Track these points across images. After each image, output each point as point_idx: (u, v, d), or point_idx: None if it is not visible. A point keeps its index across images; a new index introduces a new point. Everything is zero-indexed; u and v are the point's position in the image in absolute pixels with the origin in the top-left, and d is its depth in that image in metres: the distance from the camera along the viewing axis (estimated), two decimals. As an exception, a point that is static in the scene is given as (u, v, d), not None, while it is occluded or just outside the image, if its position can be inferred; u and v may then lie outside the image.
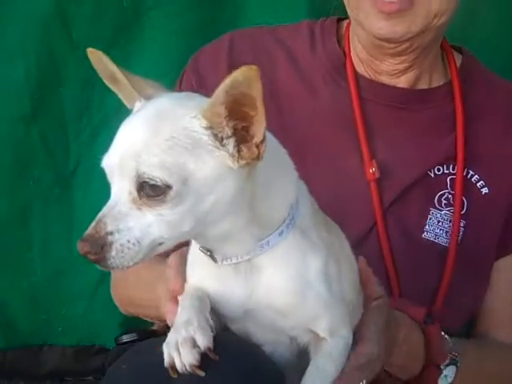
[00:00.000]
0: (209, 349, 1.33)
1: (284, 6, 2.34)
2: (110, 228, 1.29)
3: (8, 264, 2.42)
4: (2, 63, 2.34)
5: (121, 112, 2.33)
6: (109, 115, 2.37)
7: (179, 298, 1.50)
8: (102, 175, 2.32)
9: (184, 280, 1.52)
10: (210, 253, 1.44)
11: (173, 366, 1.33)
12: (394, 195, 1.93)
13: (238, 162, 1.32)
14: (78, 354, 2.46)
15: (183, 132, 1.30)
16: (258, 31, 2.08)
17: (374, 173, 1.90)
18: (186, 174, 1.29)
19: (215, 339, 1.35)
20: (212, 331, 1.37)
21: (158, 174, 1.28)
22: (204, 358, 1.32)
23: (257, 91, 1.26)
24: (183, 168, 1.29)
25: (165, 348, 1.35)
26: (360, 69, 1.99)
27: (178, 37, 2.34)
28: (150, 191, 1.29)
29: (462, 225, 1.96)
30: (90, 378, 2.50)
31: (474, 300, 2.03)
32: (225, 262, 1.44)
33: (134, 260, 1.31)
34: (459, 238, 1.95)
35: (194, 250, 1.51)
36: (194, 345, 1.33)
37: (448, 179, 1.97)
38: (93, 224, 1.30)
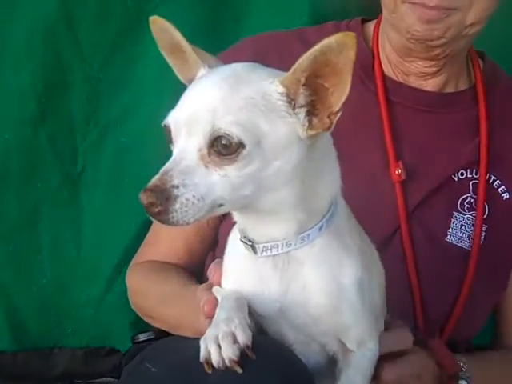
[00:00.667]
0: (247, 346, 1.33)
1: (287, 4, 2.33)
2: (176, 181, 1.28)
3: (17, 267, 2.41)
4: (7, 66, 2.33)
5: (127, 114, 2.35)
6: (116, 117, 2.38)
7: (214, 290, 1.53)
8: (109, 177, 2.36)
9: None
10: (252, 243, 1.44)
11: (208, 362, 1.33)
12: (419, 198, 1.93)
13: (307, 131, 1.33)
14: (88, 355, 2.45)
15: (260, 94, 1.32)
16: (283, 34, 2.08)
17: (399, 174, 1.90)
18: (260, 135, 1.30)
19: (252, 339, 1.36)
20: (250, 330, 1.38)
21: (235, 131, 1.28)
22: (241, 356, 1.33)
23: (346, 60, 1.27)
24: (258, 128, 1.30)
25: (202, 343, 1.35)
26: (388, 70, 1.99)
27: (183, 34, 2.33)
28: (221, 149, 1.29)
29: (483, 229, 1.96)
30: (100, 380, 2.49)
31: (491, 305, 2.05)
32: (264, 254, 1.43)
33: (195, 216, 1.30)
34: (481, 241, 1.95)
35: (233, 245, 1.53)
36: (235, 340, 1.33)
37: (471, 183, 1.98)
38: (157, 176, 1.29)
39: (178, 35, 1.43)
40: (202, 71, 1.42)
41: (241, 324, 1.36)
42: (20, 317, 2.42)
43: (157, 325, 2.07)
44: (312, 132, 1.34)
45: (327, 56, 1.28)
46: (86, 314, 2.42)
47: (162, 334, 2.04)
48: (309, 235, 1.43)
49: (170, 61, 1.48)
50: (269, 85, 1.33)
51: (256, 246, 1.44)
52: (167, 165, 1.31)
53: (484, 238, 1.96)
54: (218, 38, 2.23)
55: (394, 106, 1.96)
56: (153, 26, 1.45)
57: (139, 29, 2.33)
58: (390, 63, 1.99)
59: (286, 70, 1.38)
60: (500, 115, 2.01)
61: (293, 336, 1.52)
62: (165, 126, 1.37)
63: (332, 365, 1.54)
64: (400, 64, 1.96)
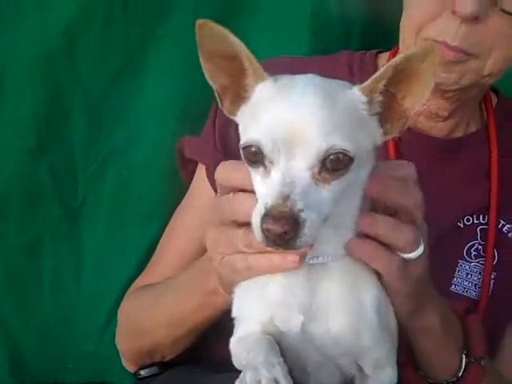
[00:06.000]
0: None
1: (287, 35, 2.32)
2: (300, 205, 1.22)
3: (18, 301, 2.38)
4: (8, 97, 2.31)
5: (129, 146, 2.34)
6: (117, 149, 2.36)
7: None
8: (110, 209, 2.34)
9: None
10: None
11: None
12: None
13: (382, 138, 1.33)
14: (89, 391, 2.42)
15: (351, 106, 1.30)
16: (294, 60, 2.04)
17: None
18: (360, 147, 1.29)
19: None
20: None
21: (349, 146, 1.25)
22: None
23: (429, 65, 1.27)
24: (358, 141, 1.29)
25: None
26: None
27: (185, 67, 2.31)
28: (334, 164, 1.25)
29: (492, 276, 1.90)
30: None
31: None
32: (311, 261, 1.39)
33: (316, 236, 1.26)
34: (490, 290, 1.90)
35: None
36: None
37: (478, 229, 1.92)
38: (277, 202, 1.23)
39: (236, 41, 1.34)
40: (268, 82, 1.36)
41: (282, 371, 1.32)
42: (21, 352, 2.39)
43: (158, 333, 1.98)
44: (387, 138, 1.34)
45: (410, 63, 1.27)
46: (86, 350, 2.39)
47: (165, 368, 2.01)
48: None
49: (205, 67, 1.39)
50: (353, 95, 1.31)
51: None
52: (281, 188, 1.24)
53: (493, 286, 1.90)
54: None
55: (401, 152, 1.91)
56: (200, 30, 1.33)
57: (141, 60, 2.33)
58: None
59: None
60: None
61: (312, 356, 1.48)
62: (248, 145, 1.30)
63: None
64: None
